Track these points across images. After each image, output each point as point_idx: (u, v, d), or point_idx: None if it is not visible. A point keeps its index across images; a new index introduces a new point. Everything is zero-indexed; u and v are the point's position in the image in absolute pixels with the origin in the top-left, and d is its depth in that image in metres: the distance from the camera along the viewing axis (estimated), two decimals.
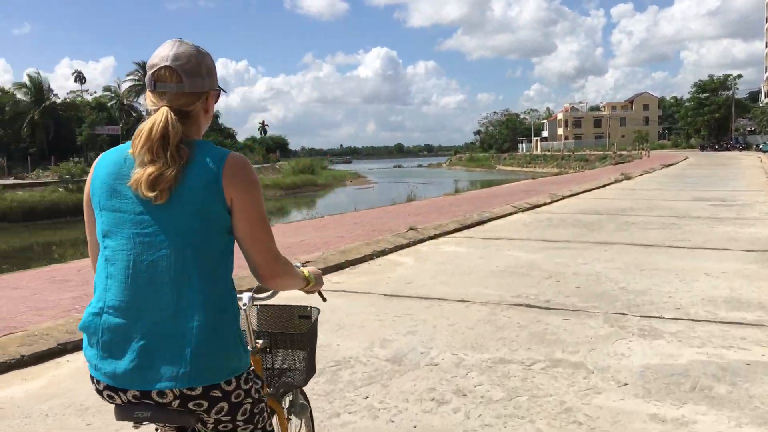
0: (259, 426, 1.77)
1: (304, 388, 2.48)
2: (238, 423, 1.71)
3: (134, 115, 75.72)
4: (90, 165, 2.16)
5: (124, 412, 1.67)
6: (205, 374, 1.60)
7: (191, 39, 1.79)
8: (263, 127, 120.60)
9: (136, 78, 78.70)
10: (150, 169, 1.60)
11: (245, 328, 2.09)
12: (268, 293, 2.20)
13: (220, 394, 1.64)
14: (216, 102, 1.83)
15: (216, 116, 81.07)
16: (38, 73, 58.40)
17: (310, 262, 2.33)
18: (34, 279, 7.23)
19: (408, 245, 9.26)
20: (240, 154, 1.70)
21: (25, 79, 57.76)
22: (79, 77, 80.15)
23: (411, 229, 10.20)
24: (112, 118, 62.89)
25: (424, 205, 15.88)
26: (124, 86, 77.73)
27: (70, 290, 6.38)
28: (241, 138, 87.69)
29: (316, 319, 2.33)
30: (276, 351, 2.27)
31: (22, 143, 54.19)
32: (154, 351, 1.60)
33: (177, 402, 1.61)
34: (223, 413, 1.67)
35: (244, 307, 2.08)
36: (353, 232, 10.46)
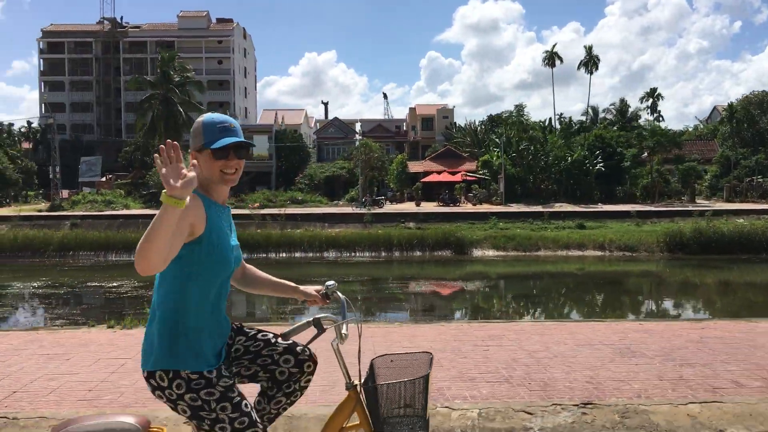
0: (207, 426, 2.14)
1: None
2: (185, 415, 2.17)
3: None
4: None
5: None
6: (143, 362, 2.23)
7: None
8: None
9: None
10: None
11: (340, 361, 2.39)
12: (333, 330, 2.39)
13: (155, 384, 2.17)
14: (213, 160, 2.18)
15: None
16: None
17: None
18: None
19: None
20: None
21: None
22: None
23: None
24: None
25: None
26: None
27: None
28: None
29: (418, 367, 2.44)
30: (381, 392, 2.31)
31: None
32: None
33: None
34: (163, 400, 2.17)
35: (333, 342, 2.33)
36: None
